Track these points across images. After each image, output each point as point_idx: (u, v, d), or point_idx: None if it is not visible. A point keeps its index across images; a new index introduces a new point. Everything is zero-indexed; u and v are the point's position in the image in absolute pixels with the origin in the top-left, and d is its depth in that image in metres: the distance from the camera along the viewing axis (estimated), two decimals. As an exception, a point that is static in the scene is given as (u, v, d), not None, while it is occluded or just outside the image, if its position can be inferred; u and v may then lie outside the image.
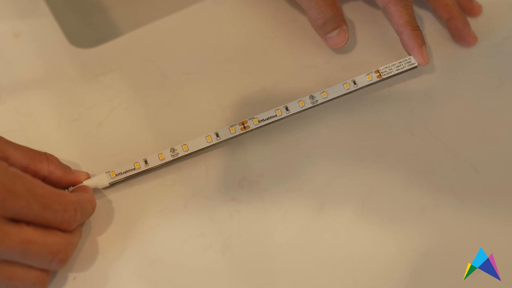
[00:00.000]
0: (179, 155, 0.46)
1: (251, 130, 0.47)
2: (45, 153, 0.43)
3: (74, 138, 0.49)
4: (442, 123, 0.47)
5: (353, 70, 0.51)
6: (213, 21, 0.55)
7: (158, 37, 0.54)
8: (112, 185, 0.46)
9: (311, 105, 0.47)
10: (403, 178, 0.45)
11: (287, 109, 0.47)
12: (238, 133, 0.46)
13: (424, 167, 0.45)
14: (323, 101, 0.47)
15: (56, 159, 0.44)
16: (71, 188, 0.44)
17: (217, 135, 0.46)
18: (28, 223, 0.38)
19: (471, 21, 0.52)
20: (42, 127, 0.49)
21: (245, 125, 0.47)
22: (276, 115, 0.47)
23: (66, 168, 0.44)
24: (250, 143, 0.47)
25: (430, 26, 0.53)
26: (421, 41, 0.48)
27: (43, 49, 0.54)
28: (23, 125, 0.49)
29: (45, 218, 0.39)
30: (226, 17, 0.55)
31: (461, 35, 0.51)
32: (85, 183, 0.45)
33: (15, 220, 0.38)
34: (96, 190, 0.45)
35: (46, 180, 0.43)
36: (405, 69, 0.48)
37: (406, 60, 0.48)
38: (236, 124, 0.47)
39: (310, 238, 0.43)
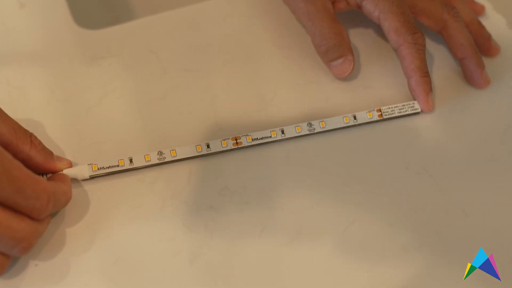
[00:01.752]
0: (166, 160, 0.44)
1: (243, 147, 0.46)
2: (31, 135, 0.42)
3: (61, 118, 0.47)
4: (439, 162, 0.46)
5: (357, 93, 0.49)
6: (224, 20, 0.54)
7: (164, 28, 0.53)
8: (92, 177, 0.44)
9: (308, 132, 0.46)
10: (389, 212, 0.43)
11: (282, 132, 0.46)
12: (230, 148, 0.45)
13: (413, 204, 0.44)
14: (320, 130, 0.46)
15: (40, 143, 0.42)
16: (49, 175, 0.43)
17: (208, 146, 0.45)
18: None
19: (487, 60, 0.51)
20: (31, 102, 0.48)
21: (237, 141, 0.46)
22: (270, 136, 0.46)
23: (48, 154, 0.43)
24: (238, 152, 0.46)
25: (444, 59, 0.51)
26: (429, 89, 0.47)
27: (46, 23, 0.53)
28: (12, 97, 0.48)
29: (16, 202, 0.37)
30: (237, 18, 0.54)
31: (472, 77, 0.49)
32: (65, 172, 0.43)
33: None
34: (74, 179, 0.44)
35: (24, 163, 0.41)
36: (407, 113, 0.47)
37: (409, 104, 0.48)
38: (229, 139, 0.45)
39: (283, 261, 0.41)
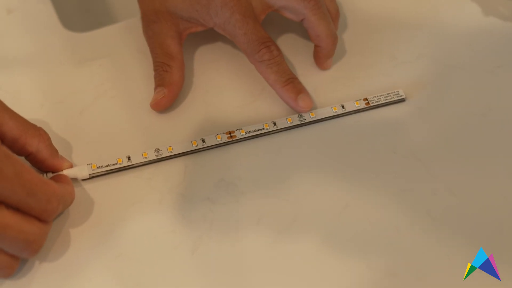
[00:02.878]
0: (163, 156, 0.46)
1: (237, 140, 0.47)
2: (39, 129, 0.43)
3: (55, 120, 0.48)
4: (425, 145, 0.47)
5: (342, 83, 0.51)
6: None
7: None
8: (92, 177, 0.45)
9: (299, 122, 0.48)
10: (380, 195, 0.45)
11: (274, 124, 0.47)
12: (224, 142, 0.47)
13: (403, 186, 0.45)
14: (310, 120, 0.48)
15: (49, 138, 0.43)
16: (50, 175, 0.44)
17: (203, 141, 0.46)
18: (8, 206, 0.38)
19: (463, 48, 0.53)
20: (25, 106, 0.48)
21: (232, 134, 0.47)
22: (263, 128, 0.47)
23: (54, 151, 0.44)
24: (233, 145, 0.47)
25: (424, 47, 0.53)
26: (295, 93, 0.48)
27: (35, 28, 0.54)
28: (6, 102, 0.48)
29: (27, 205, 0.38)
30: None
31: (317, 61, 0.51)
32: (66, 172, 0.44)
33: None
34: (74, 179, 0.45)
35: (31, 156, 0.42)
36: (393, 100, 0.49)
37: (394, 92, 0.49)
38: (223, 133, 0.47)
39: (281, 247, 0.43)
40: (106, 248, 0.42)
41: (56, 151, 0.44)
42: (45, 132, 0.44)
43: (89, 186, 0.45)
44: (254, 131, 0.47)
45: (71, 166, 0.45)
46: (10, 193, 0.37)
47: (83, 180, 0.45)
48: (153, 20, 0.49)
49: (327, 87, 0.51)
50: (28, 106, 0.49)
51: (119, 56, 0.52)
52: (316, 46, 0.51)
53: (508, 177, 0.46)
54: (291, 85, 0.48)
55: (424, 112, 0.49)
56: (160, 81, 0.49)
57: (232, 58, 0.52)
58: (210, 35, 0.53)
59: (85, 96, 0.50)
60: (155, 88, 0.49)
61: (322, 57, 0.51)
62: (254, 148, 0.47)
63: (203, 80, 0.51)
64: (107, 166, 0.45)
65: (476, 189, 0.45)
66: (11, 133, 0.41)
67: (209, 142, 0.46)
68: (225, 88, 0.51)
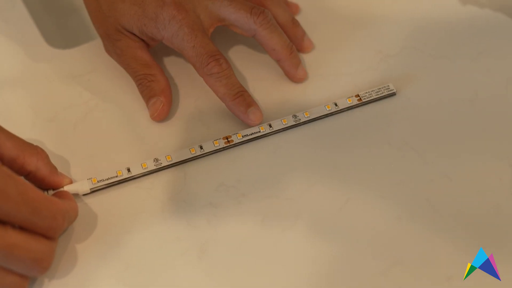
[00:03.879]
0: (162, 165, 0.46)
1: (234, 145, 0.47)
2: (36, 147, 0.43)
3: (49, 138, 0.48)
4: (418, 135, 0.48)
5: (331, 80, 0.52)
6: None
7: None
8: (93, 191, 0.45)
9: (294, 123, 0.48)
10: (379, 186, 0.46)
11: (270, 126, 0.48)
12: (222, 147, 0.47)
13: (400, 176, 0.46)
14: (305, 120, 0.48)
15: (47, 156, 0.43)
16: (51, 192, 0.44)
17: (201, 148, 0.47)
18: (13, 226, 0.37)
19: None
20: (17, 125, 0.48)
21: (229, 139, 0.47)
22: (259, 131, 0.48)
23: (53, 168, 0.43)
24: (230, 150, 0.48)
25: (413, 39, 0.54)
26: (244, 107, 0.48)
27: (20, 48, 0.53)
28: (-3, 124, 0.49)
29: (33, 223, 0.38)
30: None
31: (288, 75, 0.51)
32: (66, 188, 0.44)
33: (1, 222, 0.37)
34: (75, 195, 0.45)
35: (31, 175, 0.42)
36: (384, 94, 0.50)
37: (385, 86, 0.50)
38: (220, 138, 0.47)
39: (288, 245, 0.43)
40: (114, 261, 0.42)
41: (55, 168, 0.44)
42: (42, 150, 0.43)
43: (90, 201, 0.45)
44: (251, 134, 0.48)
45: (71, 182, 0.45)
46: (15, 212, 0.37)
47: (84, 195, 0.45)
48: (116, 38, 0.49)
49: (316, 86, 0.51)
50: (20, 126, 0.48)
51: (106, 70, 0.52)
52: (278, 62, 0.51)
53: (500, 159, 0.47)
54: (241, 98, 0.48)
55: (413, 103, 0.50)
56: (150, 92, 0.49)
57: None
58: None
59: (76, 111, 0.50)
60: (148, 100, 0.49)
61: (289, 69, 0.51)
62: (252, 150, 0.48)
63: (192, 88, 0.51)
64: (107, 179, 0.45)
65: (471, 173, 0.46)
66: (9, 154, 0.41)
67: (207, 149, 0.47)
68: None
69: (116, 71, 0.52)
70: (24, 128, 0.48)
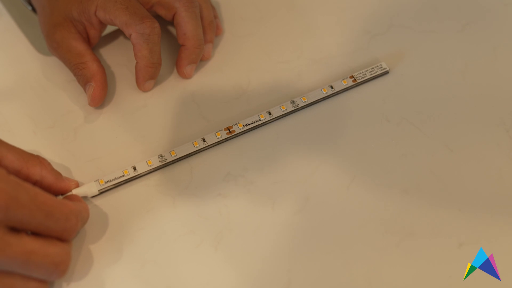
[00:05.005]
0: (167, 161, 0.46)
1: (236, 135, 0.48)
2: (38, 157, 0.42)
3: (51, 145, 0.48)
4: (414, 109, 0.49)
5: (324, 63, 0.52)
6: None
7: (124, 41, 0.54)
8: (101, 192, 0.45)
9: (292, 109, 0.49)
10: (383, 162, 0.47)
11: (269, 113, 0.48)
12: (224, 138, 0.47)
13: (403, 151, 0.47)
14: (303, 104, 0.49)
15: (49, 164, 0.43)
16: (60, 197, 0.44)
17: (204, 140, 0.47)
18: (28, 233, 0.38)
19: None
20: (17, 136, 0.48)
21: (230, 130, 0.48)
22: (259, 119, 0.48)
23: (57, 174, 0.43)
24: (233, 141, 0.48)
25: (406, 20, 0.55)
26: (148, 76, 0.50)
27: (11, 59, 0.53)
28: (-3, 136, 0.48)
29: (47, 227, 0.38)
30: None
31: (177, 64, 0.52)
32: (74, 192, 0.44)
33: (15, 229, 0.37)
34: (83, 197, 0.45)
35: (37, 185, 0.42)
36: (377, 73, 0.51)
37: (377, 66, 0.51)
38: (222, 130, 0.48)
39: (300, 226, 0.44)
40: (130, 259, 0.43)
41: (60, 174, 0.44)
42: (44, 159, 0.43)
43: (100, 202, 0.45)
44: (252, 123, 0.48)
45: (78, 185, 0.45)
46: (28, 218, 0.37)
47: (93, 197, 0.45)
48: (53, 32, 0.49)
49: (310, 71, 0.52)
50: (21, 136, 0.48)
51: (100, 73, 0.52)
52: (181, 47, 0.51)
53: (496, 125, 0.48)
54: (153, 68, 0.50)
55: (407, 79, 0.51)
56: (83, 79, 0.49)
57: (212, 55, 0.53)
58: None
59: (75, 116, 0.50)
60: (83, 88, 0.49)
61: (185, 58, 0.51)
62: (254, 139, 0.48)
63: (187, 82, 0.52)
64: (114, 179, 0.45)
65: (470, 141, 0.47)
66: (13, 166, 0.41)
67: (210, 141, 0.47)
68: (212, 86, 0.51)
69: (110, 73, 0.52)
70: (25, 138, 0.48)
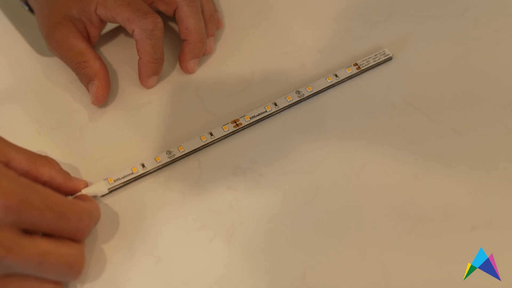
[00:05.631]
0: (176, 156, 0.46)
1: (243, 127, 0.47)
2: (46, 157, 0.42)
3: (57, 145, 0.48)
4: (419, 95, 0.49)
5: (327, 52, 0.52)
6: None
7: (126, 38, 0.54)
8: (110, 191, 0.45)
9: (298, 99, 0.49)
10: (391, 148, 0.46)
11: (275, 104, 0.48)
12: (232, 131, 0.47)
13: (410, 136, 0.47)
14: (308, 94, 0.49)
15: (58, 164, 0.43)
16: (70, 198, 0.43)
17: (211, 134, 0.47)
18: (40, 234, 0.37)
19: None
20: (22, 138, 0.48)
21: (237, 122, 0.47)
22: (266, 111, 0.48)
23: (66, 174, 0.43)
24: (240, 133, 0.48)
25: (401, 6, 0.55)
26: (152, 72, 0.50)
27: (11, 61, 0.53)
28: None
29: (60, 228, 0.38)
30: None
31: (180, 59, 0.51)
32: (84, 191, 0.44)
33: (28, 232, 0.37)
34: (93, 197, 0.44)
35: (46, 185, 0.41)
36: (381, 60, 0.51)
37: (381, 52, 0.51)
38: (228, 123, 0.47)
39: (312, 216, 0.44)
40: (143, 256, 0.42)
41: (69, 174, 0.44)
42: (52, 159, 0.43)
43: (110, 201, 0.45)
44: (258, 115, 0.48)
45: (87, 185, 0.45)
46: (41, 220, 0.37)
47: (103, 196, 0.45)
48: (53, 32, 0.49)
49: (313, 60, 0.52)
50: (26, 138, 0.48)
51: (101, 71, 0.52)
52: (184, 42, 0.51)
53: (502, 107, 0.48)
54: (157, 64, 0.49)
55: (410, 64, 0.51)
56: (86, 78, 0.49)
57: (214, 49, 0.53)
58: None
59: (79, 116, 0.49)
60: (86, 87, 0.49)
61: (188, 52, 0.50)
62: (261, 131, 0.48)
63: (190, 77, 0.51)
64: (123, 177, 0.45)
65: (476, 124, 0.47)
66: (21, 167, 0.40)
67: (217, 134, 0.47)
68: (215, 80, 0.51)
69: (113, 71, 0.52)
70: (30, 140, 0.48)
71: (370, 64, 0.50)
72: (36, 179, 0.41)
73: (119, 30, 0.54)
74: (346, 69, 0.50)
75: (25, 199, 0.36)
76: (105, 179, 0.45)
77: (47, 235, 0.38)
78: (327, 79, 0.49)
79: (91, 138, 0.48)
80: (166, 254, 0.42)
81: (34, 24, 0.52)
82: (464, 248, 0.42)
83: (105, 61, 0.52)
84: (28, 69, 0.52)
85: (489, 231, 0.42)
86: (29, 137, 0.48)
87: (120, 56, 0.53)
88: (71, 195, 0.44)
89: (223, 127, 0.47)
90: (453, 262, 0.41)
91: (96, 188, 0.44)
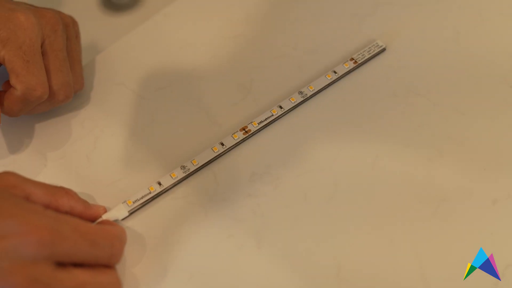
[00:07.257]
0: (190, 170, 0.46)
1: (253, 134, 0.48)
2: (63, 188, 0.41)
3: (66, 175, 0.47)
4: (418, 80, 0.50)
5: (321, 51, 0.53)
6: (169, 34, 0.55)
7: (118, 60, 0.54)
8: (131, 213, 0.44)
9: (302, 99, 0.49)
10: (400, 136, 0.47)
11: (280, 107, 0.49)
12: (242, 138, 0.47)
13: (417, 121, 0.48)
14: (311, 93, 0.49)
15: (75, 193, 0.42)
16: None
17: (222, 144, 0.47)
18: (75, 265, 0.37)
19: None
20: (28, 171, 0.47)
21: (246, 129, 0.48)
22: (272, 115, 0.48)
23: (85, 202, 0.42)
24: (249, 141, 0.48)
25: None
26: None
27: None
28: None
29: (93, 256, 0.37)
30: (180, 28, 0.55)
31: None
32: (104, 217, 0.43)
33: (62, 264, 0.36)
34: (115, 221, 0.44)
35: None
36: (375, 52, 0.51)
37: (374, 44, 0.52)
38: (237, 131, 0.47)
39: (336, 212, 0.44)
40: (175, 275, 0.42)
41: (87, 202, 0.43)
42: (69, 189, 0.42)
43: (131, 223, 0.44)
44: (265, 119, 0.48)
45: (105, 210, 0.44)
46: (75, 250, 0.37)
47: (123, 219, 0.44)
48: None
49: (310, 61, 0.52)
50: (32, 171, 0.47)
51: (99, 95, 0.51)
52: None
53: (500, 82, 0.49)
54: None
55: (403, 53, 0.52)
56: None
57: (209, 61, 0.53)
58: (180, 47, 0.53)
59: (84, 143, 0.49)
60: None
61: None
62: (271, 135, 0.48)
63: (190, 90, 0.51)
64: (141, 197, 0.44)
65: (478, 102, 0.48)
66: (41, 200, 0.40)
67: (228, 144, 0.47)
68: (215, 91, 0.51)
69: (109, 94, 0.51)
70: (37, 172, 0.47)
71: (365, 57, 0.51)
72: (57, 211, 0.40)
73: (113, 52, 0.54)
74: (344, 65, 0.51)
75: (57, 232, 0.36)
76: (124, 202, 0.44)
77: (80, 264, 0.37)
78: (326, 76, 0.50)
79: (100, 164, 0.48)
80: (198, 268, 0.42)
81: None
82: (490, 223, 0.43)
83: (100, 83, 0.51)
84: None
85: (510, 203, 0.43)
86: (36, 170, 0.48)
87: (115, 77, 0.52)
88: (92, 222, 0.43)
89: (233, 135, 0.47)
90: (482, 237, 0.42)
91: (116, 212, 0.44)
